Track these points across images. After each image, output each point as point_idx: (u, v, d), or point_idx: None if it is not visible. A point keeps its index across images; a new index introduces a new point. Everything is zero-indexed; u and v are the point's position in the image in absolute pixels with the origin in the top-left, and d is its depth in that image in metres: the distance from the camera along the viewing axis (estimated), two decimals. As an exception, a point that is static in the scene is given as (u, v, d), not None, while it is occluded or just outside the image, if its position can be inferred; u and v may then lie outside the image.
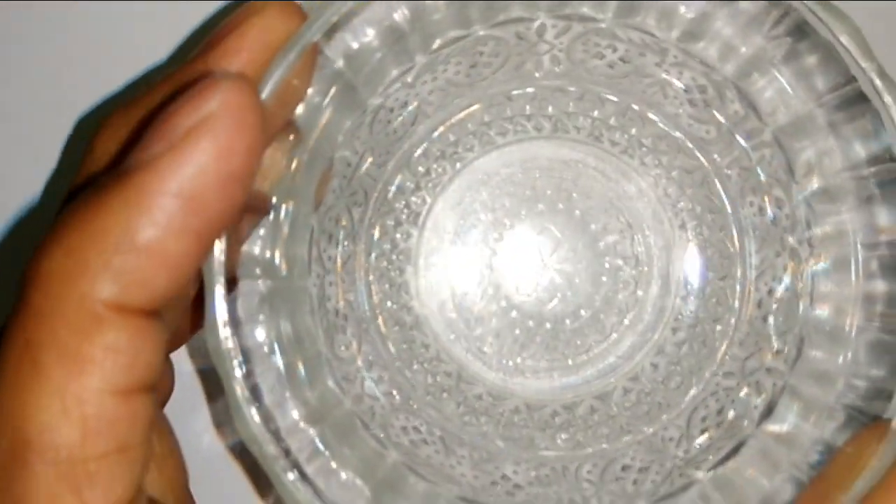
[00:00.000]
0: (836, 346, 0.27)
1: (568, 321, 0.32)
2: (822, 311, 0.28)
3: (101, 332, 0.21)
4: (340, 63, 0.26)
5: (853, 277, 0.27)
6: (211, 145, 0.21)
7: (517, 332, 0.32)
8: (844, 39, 0.24)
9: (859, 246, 0.27)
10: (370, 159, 0.30)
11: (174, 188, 0.21)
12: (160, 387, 0.28)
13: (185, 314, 0.27)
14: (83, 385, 0.21)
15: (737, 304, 0.31)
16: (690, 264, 0.32)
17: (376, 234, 0.31)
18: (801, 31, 0.26)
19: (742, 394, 0.29)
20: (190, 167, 0.21)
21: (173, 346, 0.29)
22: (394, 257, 0.32)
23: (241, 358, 0.25)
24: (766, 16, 0.26)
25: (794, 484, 0.27)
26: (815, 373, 0.27)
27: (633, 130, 0.32)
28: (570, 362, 0.32)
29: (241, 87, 0.21)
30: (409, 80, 0.29)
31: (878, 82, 0.25)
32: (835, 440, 0.26)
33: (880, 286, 0.26)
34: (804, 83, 0.26)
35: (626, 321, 0.32)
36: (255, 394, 0.25)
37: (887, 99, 0.25)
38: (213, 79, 0.21)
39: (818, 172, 0.27)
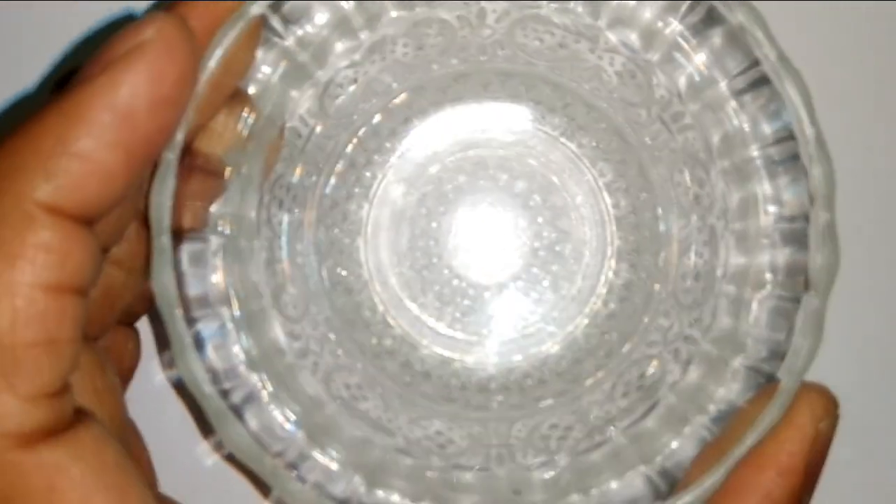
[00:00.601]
0: (742, 313, 0.29)
1: (506, 291, 0.34)
2: (733, 282, 0.30)
3: (33, 230, 0.23)
4: (287, 36, 0.28)
5: (759, 249, 0.29)
6: (144, 67, 0.23)
7: (459, 300, 0.34)
8: (749, 25, 0.27)
9: (764, 220, 0.29)
10: (319, 131, 0.32)
11: (108, 103, 0.23)
12: (125, 360, 0.30)
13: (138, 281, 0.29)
14: (14, 278, 0.23)
15: (662, 277, 0.33)
16: (622, 240, 0.34)
17: (326, 203, 0.33)
18: (712, 17, 0.28)
19: (662, 360, 0.31)
20: (124, 86, 0.23)
21: (134, 315, 0.31)
22: (343, 226, 0.34)
23: (183, 305, 0.27)
24: (681, 2, 0.28)
25: (699, 440, 0.29)
26: (724, 338, 0.29)
27: (572, 113, 0.34)
28: (507, 329, 0.34)
29: (175, 22, 0.24)
30: (357, 58, 0.31)
31: (777, 66, 0.27)
32: (737, 400, 0.28)
33: (781, 256, 0.28)
34: (717, 67, 0.28)
35: (562, 292, 0.34)
36: (197, 339, 0.27)
37: (786, 81, 0.27)
38: (150, 16, 0.23)
39: (731, 151, 0.29)
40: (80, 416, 0.25)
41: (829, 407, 0.27)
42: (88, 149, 0.23)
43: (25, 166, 0.23)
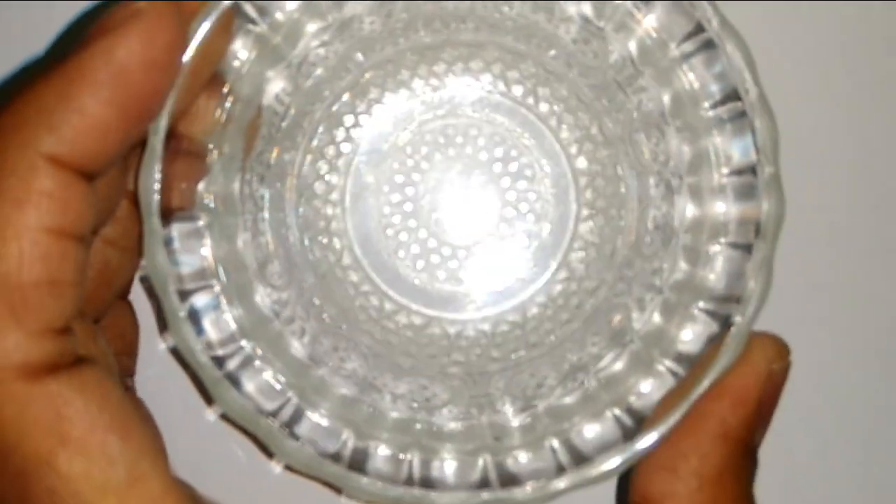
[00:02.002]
0: (699, 262, 0.31)
1: (480, 249, 0.36)
2: (690, 232, 0.32)
3: (38, 178, 0.25)
4: (260, 22, 0.30)
5: (713, 201, 0.31)
6: (138, 32, 0.25)
7: (436, 260, 0.36)
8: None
9: (716, 174, 0.31)
10: (295, 109, 0.33)
11: (105, 63, 0.25)
12: (127, 335, 0.32)
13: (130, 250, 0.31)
14: (20, 221, 0.25)
15: (624, 230, 0.35)
16: (586, 198, 0.36)
17: (304, 177, 0.35)
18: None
19: (628, 308, 0.33)
20: (120, 48, 0.25)
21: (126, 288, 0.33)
22: (322, 198, 0.35)
23: (176, 281, 0.29)
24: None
25: (664, 381, 0.31)
26: (684, 285, 0.32)
27: (534, 80, 0.35)
28: (482, 286, 0.36)
29: None
30: (327, 38, 0.32)
31: (720, 30, 0.29)
32: (698, 342, 0.31)
33: (733, 208, 0.30)
34: (665, 32, 0.30)
35: (531, 249, 0.36)
36: (191, 312, 0.29)
37: (729, 46, 0.29)
38: None
39: (683, 111, 0.31)
40: (84, 360, 0.26)
41: (782, 351, 0.29)
42: (87, 105, 0.25)
43: (30, 121, 0.26)
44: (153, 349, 0.34)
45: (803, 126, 0.35)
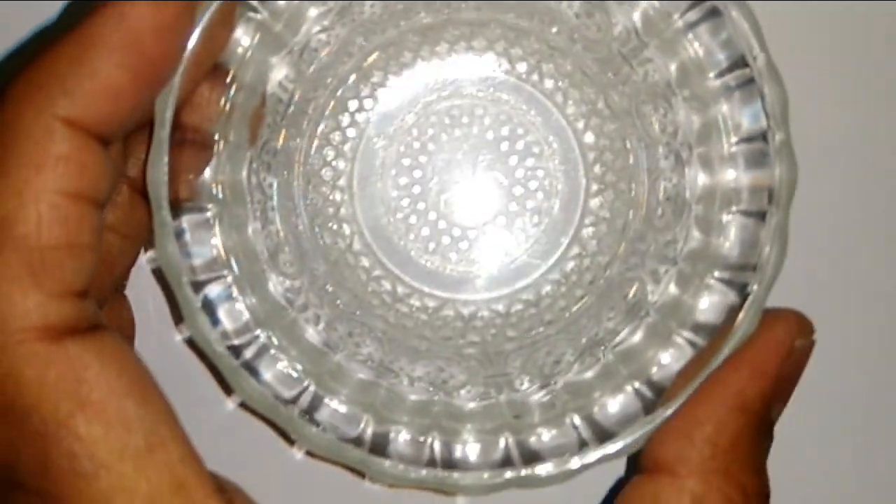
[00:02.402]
0: (713, 231, 0.31)
1: (490, 229, 0.36)
2: (702, 202, 0.32)
3: (54, 141, 0.25)
4: (261, 9, 0.30)
5: (723, 170, 0.31)
6: None
7: (446, 241, 0.36)
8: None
9: (726, 143, 0.30)
10: (299, 95, 0.33)
11: (117, 27, 0.26)
12: (124, 329, 0.32)
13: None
14: (38, 185, 0.25)
15: (635, 203, 0.34)
16: (595, 173, 0.35)
17: (312, 163, 0.35)
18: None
19: (642, 281, 0.33)
20: (131, 13, 0.26)
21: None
22: (330, 184, 0.35)
23: (189, 272, 0.29)
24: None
25: (682, 352, 0.31)
26: (697, 256, 0.31)
27: (538, 56, 0.35)
28: (495, 265, 0.36)
29: None
30: (328, 23, 0.32)
31: (725, -3, 0.28)
32: (715, 311, 0.30)
33: (744, 175, 0.30)
34: (669, 1, 0.30)
35: (542, 226, 0.36)
36: (205, 302, 0.29)
37: (734, 13, 0.29)
38: None
39: (690, 81, 0.31)
40: (100, 326, 0.26)
41: (806, 328, 0.29)
42: (100, 68, 0.26)
43: (44, 85, 0.26)
44: (169, 341, 0.34)
45: (811, 91, 0.35)
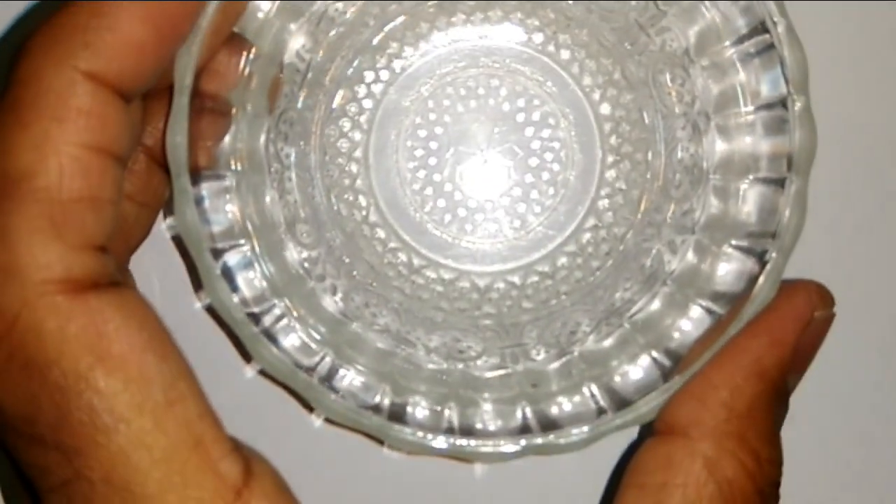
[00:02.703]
0: (730, 200, 0.31)
1: (507, 200, 0.36)
2: (719, 171, 0.32)
3: (75, 94, 0.25)
4: (279, -23, 0.30)
5: (741, 138, 0.31)
6: None
7: (463, 215, 0.36)
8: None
9: (744, 110, 0.30)
10: (316, 64, 0.33)
11: None
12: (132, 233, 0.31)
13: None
14: (60, 137, 0.25)
15: (651, 172, 0.34)
16: (611, 143, 0.35)
17: (329, 134, 0.35)
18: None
19: (659, 251, 0.33)
20: None
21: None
22: (346, 154, 0.35)
23: (208, 237, 0.29)
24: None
25: (699, 321, 0.31)
26: (715, 224, 0.31)
27: (554, 27, 0.35)
28: (511, 236, 0.36)
29: None
30: (346, -9, 0.32)
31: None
32: (733, 279, 0.30)
33: (763, 143, 0.30)
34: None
35: (558, 197, 0.36)
36: (224, 270, 0.29)
37: (755, -24, 0.29)
38: None
39: (708, 49, 0.31)
40: (120, 284, 0.26)
41: (826, 299, 0.29)
42: (121, 22, 0.26)
43: (65, 38, 0.25)
44: (188, 308, 0.34)
45: (831, 58, 0.35)
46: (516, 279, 0.36)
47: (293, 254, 0.32)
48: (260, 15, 0.30)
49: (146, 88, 0.27)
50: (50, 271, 0.25)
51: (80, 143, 0.25)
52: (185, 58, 0.28)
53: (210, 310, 0.29)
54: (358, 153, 0.35)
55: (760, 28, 0.29)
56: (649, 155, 0.35)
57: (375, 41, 0.35)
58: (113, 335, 0.25)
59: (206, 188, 0.29)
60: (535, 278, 0.36)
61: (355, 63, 0.35)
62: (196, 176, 0.29)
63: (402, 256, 0.36)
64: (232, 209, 0.30)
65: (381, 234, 0.36)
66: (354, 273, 0.35)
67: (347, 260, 0.35)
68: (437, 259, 0.36)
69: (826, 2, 0.35)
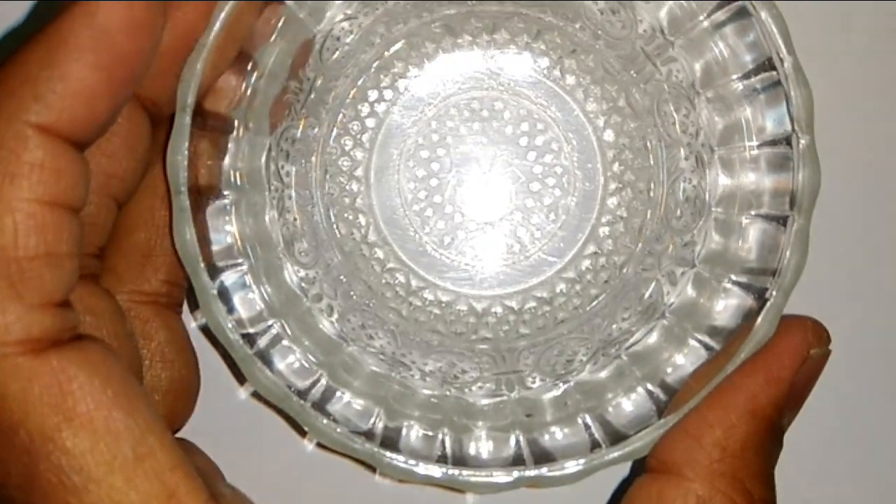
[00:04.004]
0: (732, 235, 0.31)
1: (507, 224, 0.36)
2: (721, 205, 0.31)
3: (28, 149, 0.25)
4: (286, -3, 0.30)
5: (745, 173, 0.30)
6: None
7: (462, 235, 0.36)
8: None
9: (748, 145, 0.30)
10: (319, 84, 0.33)
11: (87, 27, 0.25)
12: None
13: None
14: (13, 194, 0.25)
15: (653, 203, 0.34)
16: (614, 171, 0.35)
17: (330, 153, 0.35)
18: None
19: (658, 282, 0.33)
20: (100, 11, 0.25)
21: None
22: (347, 174, 0.35)
23: (206, 258, 0.29)
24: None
25: (697, 356, 0.31)
26: (715, 259, 0.31)
27: (560, 52, 0.35)
28: (510, 261, 0.36)
29: None
30: (351, 11, 0.32)
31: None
32: (731, 315, 0.30)
33: (766, 179, 0.30)
34: (696, 1, 0.30)
35: (559, 223, 0.35)
36: (221, 290, 0.29)
37: (763, 14, 0.28)
38: None
39: (714, 82, 0.31)
40: (84, 336, 0.26)
41: (823, 337, 0.29)
42: (72, 70, 0.25)
43: (15, 91, 0.25)
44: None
45: (837, 96, 0.35)
46: (514, 304, 0.36)
47: (291, 273, 0.32)
48: (265, 34, 0.30)
49: (102, 134, 0.27)
50: (9, 333, 0.24)
51: (35, 199, 0.25)
52: (188, 76, 0.28)
53: (205, 329, 0.29)
54: (359, 172, 0.35)
55: (767, 64, 0.29)
56: (651, 184, 0.34)
57: (380, 61, 0.35)
58: (77, 393, 0.24)
59: (205, 207, 0.29)
60: (533, 304, 0.36)
61: (359, 82, 0.35)
62: (196, 194, 0.29)
63: (401, 277, 0.36)
64: (231, 228, 0.30)
65: (379, 254, 0.35)
66: (352, 293, 0.34)
67: (345, 280, 0.34)
68: (435, 281, 0.36)
69: (834, 39, 0.35)
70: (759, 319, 0.28)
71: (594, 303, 0.35)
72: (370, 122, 0.35)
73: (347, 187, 0.35)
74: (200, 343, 0.31)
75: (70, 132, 0.25)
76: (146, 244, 0.29)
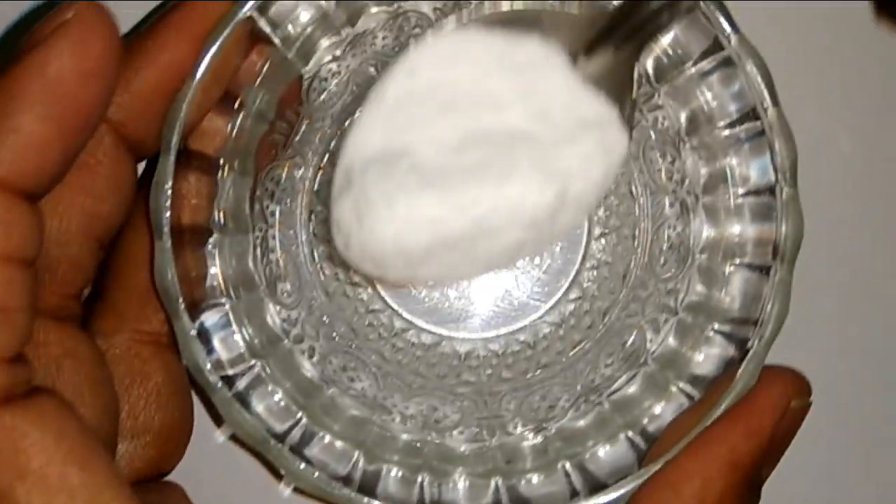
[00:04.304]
0: (715, 283, 0.31)
1: (492, 276, 0.35)
2: (706, 253, 0.31)
3: None
4: (273, 37, 0.30)
5: (729, 221, 0.31)
6: (68, 44, 0.25)
7: (448, 282, 0.35)
8: (709, 10, 0.28)
9: (733, 194, 0.30)
10: (306, 124, 0.33)
11: (37, 78, 0.24)
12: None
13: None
14: None
15: (638, 249, 0.34)
16: (599, 215, 0.35)
17: (315, 193, 0.35)
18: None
19: (641, 329, 0.33)
20: (51, 62, 0.25)
21: None
22: (332, 213, 0.35)
23: (187, 299, 0.28)
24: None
25: (678, 405, 0.30)
26: (699, 307, 0.31)
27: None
28: (494, 305, 0.36)
29: (93, 7, 0.25)
30: (339, 52, 0.32)
31: (738, 48, 0.28)
32: (713, 364, 0.30)
33: (750, 228, 0.30)
34: (683, 50, 0.30)
35: (543, 267, 0.35)
36: (201, 331, 0.29)
37: (748, 64, 0.29)
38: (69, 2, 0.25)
39: (699, 130, 0.31)
40: (39, 390, 0.25)
41: (803, 389, 0.29)
42: (23, 123, 0.25)
43: None
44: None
45: (821, 146, 0.35)
46: (497, 347, 0.35)
47: (272, 314, 0.32)
48: (252, 74, 0.30)
49: (57, 183, 0.26)
50: None
51: None
52: (173, 117, 0.28)
53: (185, 370, 0.29)
54: (344, 213, 0.35)
55: (752, 114, 0.29)
56: (636, 230, 0.34)
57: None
58: (31, 450, 0.24)
59: (188, 247, 0.29)
60: (517, 348, 0.35)
61: (347, 122, 0.35)
62: (179, 234, 0.28)
63: (384, 319, 0.35)
64: (214, 268, 0.30)
65: (363, 295, 0.35)
66: (334, 334, 0.34)
67: (328, 321, 0.34)
68: (418, 323, 0.36)
69: (819, 89, 0.36)
70: (741, 370, 0.28)
71: (577, 348, 0.35)
72: (356, 163, 0.35)
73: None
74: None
75: (21, 185, 0.25)
76: (146, 284, 0.29)
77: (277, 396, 0.30)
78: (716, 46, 0.29)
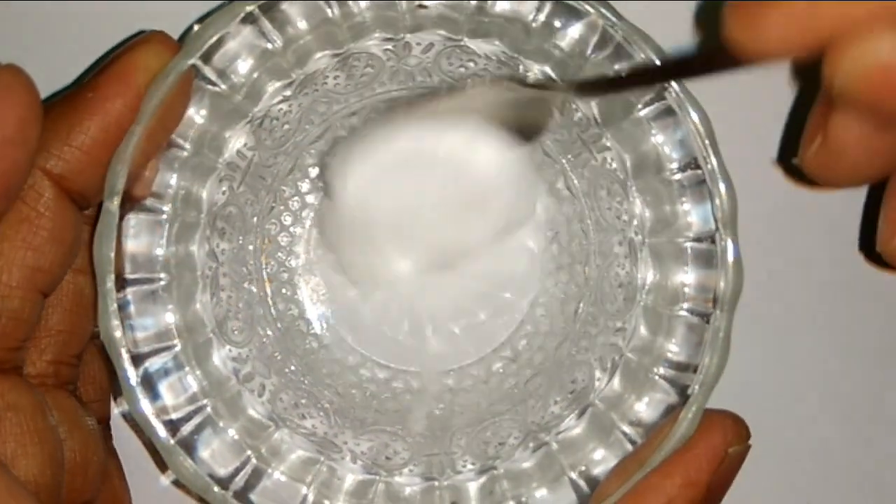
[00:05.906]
0: (659, 326, 0.31)
1: (445, 310, 0.36)
2: (651, 295, 0.32)
3: None
4: (218, 83, 0.30)
5: (672, 266, 0.31)
6: None
7: (400, 314, 0.36)
8: (653, 58, 0.28)
9: (676, 240, 0.30)
10: (257, 162, 0.33)
11: None
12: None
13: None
14: None
15: (590, 286, 0.34)
16: (552, 252, 0.35)
17: (268, 229, 0.35)
18: (619, 52, 0.29)
19: (590, 367, 0.33)
20: None
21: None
22: (286, 249, 0.35)
23: (131, 345, 0.29)
24: (590, 37, 0.30)
25: (621, 449, 0.31)
26: (644, 348, 0.31)
27: (500, 132, 0.35)
28: (447, 339, 0.36)
29: (11, 69, 0.26)
30: (289, 93, 0.32)
31: (681, 98, 0.29)
32: (655, 409, 0.30)
33: (691, 275, 0.30)
34: (625, 97, 0.30)
35: (497, 302, 0.36)
36: (146, 376, 0.29)
37: (689, 114, 0.29)
38: None
39: (644, 174, 0.31)
40: None
41: (742, 434, 0.29)
42: None
43: None
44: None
45: (763, 194, 0.35)
46: (450, 382, 0.36)
47: (221, 354, 0.32)
48: (198, 121, 0.30)
49: None
50: None
51: None
52: (116, 165, 0.28)
53: (129, 416, 0.29)
54: (297, 248, 0.35)
55: (693, 163, 0.29)
56: (587, 268, 0.35)
57: (319, 138, 0.35)
58: None
59: (132, 293, 0.29)
60: (469, 382, 0.36)
61: (299, 159, 0.35)
62: (122, 281, 0.29)
63: (337, 353, 0.36)
64: (160, 313, 0.30)
65: (316, 329, 0.36)
66: (286, 370, 0.34)
67: (280, 357, 0.34)
68: (372, 357, 0.36)
69: (760, 136, 0.36)
70: (681, 417, 0.28)
71: (528, 383, 0.35)
72: (310, 199, 0.35)
73: (286, 263, 0.35)
74: (122, 429, 0.31)
75: None
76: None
77: (224, 439, 0.30)
78: (659, 95, 0.29)
